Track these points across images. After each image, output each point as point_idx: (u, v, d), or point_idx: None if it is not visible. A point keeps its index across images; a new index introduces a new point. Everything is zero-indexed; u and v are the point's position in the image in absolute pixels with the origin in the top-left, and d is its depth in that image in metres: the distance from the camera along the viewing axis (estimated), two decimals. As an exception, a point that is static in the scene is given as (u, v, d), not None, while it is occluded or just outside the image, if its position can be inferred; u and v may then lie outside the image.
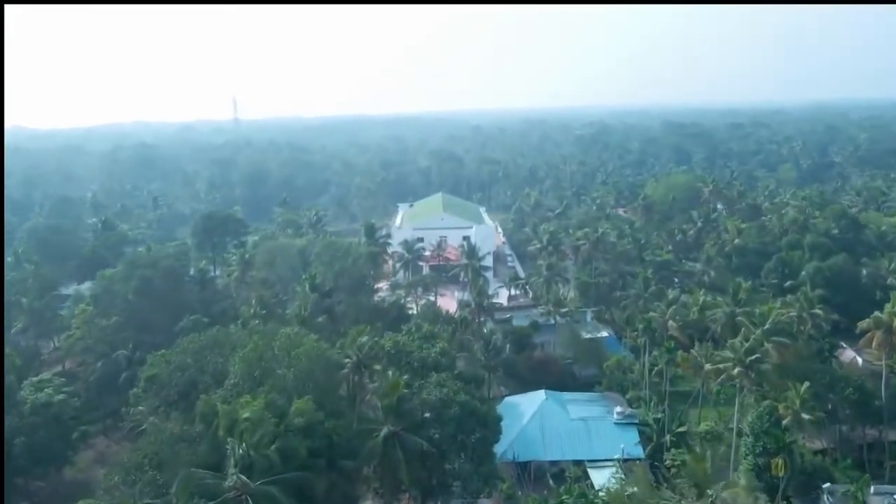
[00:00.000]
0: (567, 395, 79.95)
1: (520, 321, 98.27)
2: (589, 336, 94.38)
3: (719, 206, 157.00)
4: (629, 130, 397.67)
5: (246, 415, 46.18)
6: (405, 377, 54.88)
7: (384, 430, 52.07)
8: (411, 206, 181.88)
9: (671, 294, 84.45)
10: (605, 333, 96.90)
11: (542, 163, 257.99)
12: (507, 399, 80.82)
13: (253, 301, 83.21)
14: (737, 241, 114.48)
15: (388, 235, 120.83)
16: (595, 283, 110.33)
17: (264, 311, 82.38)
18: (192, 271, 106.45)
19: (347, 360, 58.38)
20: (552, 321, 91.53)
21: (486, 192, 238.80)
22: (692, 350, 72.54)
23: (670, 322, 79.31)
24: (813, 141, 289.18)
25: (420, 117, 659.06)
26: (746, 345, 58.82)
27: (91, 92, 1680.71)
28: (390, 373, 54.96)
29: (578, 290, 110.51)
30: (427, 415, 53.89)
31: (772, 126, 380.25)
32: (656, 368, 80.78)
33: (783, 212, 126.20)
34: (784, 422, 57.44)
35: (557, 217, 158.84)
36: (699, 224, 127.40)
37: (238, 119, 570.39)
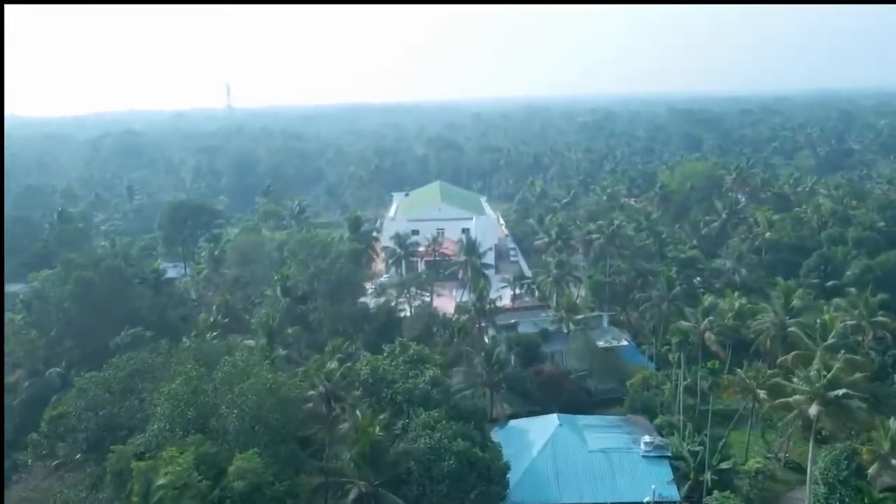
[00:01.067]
0: (584, 420, 67.59)
1: (526, 327, 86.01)
2: (606, 345, 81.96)
3: (739, 196, 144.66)
4: (634, 118, 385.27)
5: (163, 481, 33.82)
6: (383, 417, 42.43)
7: (355, 490, 39.76)
8: (407, 195, 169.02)
9: (707, 300, 71.62)
10: (624, 342, 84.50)
11: (545, 150, 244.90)
12: (513, 423, 68.47)
13: (214, 308, 70.81)
14: (768, 234, 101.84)
15: (377, 229, 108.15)
16: (610, 282, 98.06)
17: (227, 320, 70.06)
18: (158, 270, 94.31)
19: (313, 391, 45.98)
20: (564, 330, 79.02)
21: (486, 180, 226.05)
22: (739, 371, 60.09)
23: (708, 334, 66.70)
24: (828, 127, 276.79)
25: (419, 105, 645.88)
26: (827, 375, 45.95)
27: (87, 80, 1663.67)
28: (361, 412, 42.48)
29: (591, 291, 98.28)
30: (412, 465, 41.46)
31: (783, 113, 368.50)
32: (684, 383, 68.83)
33: (819, 202, 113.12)
34: (869, 471, 44.95)
35: (565, 207, 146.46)
36: (723, 215, 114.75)
37: (231, 106, 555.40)
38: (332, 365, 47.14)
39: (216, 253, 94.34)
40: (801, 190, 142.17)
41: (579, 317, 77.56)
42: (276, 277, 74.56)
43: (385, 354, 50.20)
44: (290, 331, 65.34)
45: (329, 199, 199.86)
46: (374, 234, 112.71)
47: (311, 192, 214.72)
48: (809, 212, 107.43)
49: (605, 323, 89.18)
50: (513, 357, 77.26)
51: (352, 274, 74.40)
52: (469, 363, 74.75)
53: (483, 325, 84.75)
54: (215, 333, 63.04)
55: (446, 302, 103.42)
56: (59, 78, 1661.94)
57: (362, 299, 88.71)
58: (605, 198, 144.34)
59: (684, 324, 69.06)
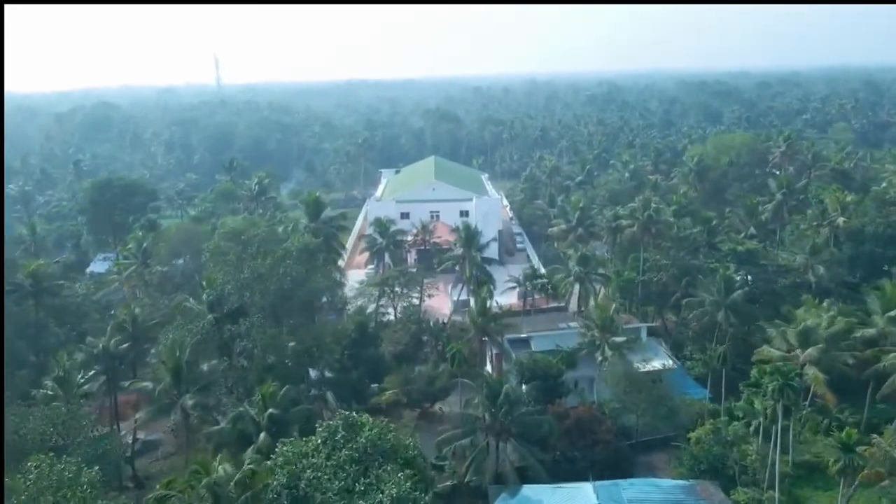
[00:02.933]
0: (630, 491, 47.44)
1: (542, 343, 65.68)
2: (647, 368, 61.54)
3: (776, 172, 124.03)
4: (643, 91, 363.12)
5: None
6: None
7: None
8: (398, 172, 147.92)
9: (804, 316, 50.83)
10: (672, 364, 64.15)
11: (553, 123, 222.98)
12: (528, 491, 48.38)
13: (109, 328, 50.24)
14: (841, 220, 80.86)
15: (343, 217, 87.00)
16: (644, 280, 77.71)
17: (125, 345, 49.48)
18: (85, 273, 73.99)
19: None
20: (599, 357, 58.46)
21: (488, 156, 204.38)
22: (878, 438, 39.66)
23: (811, 370, 46.21)
24: (860, 99, 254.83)
25: (419, 81, 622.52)
26: None
27: (81, 56, 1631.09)
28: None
29: (619, 292, 78.01)
30: None
31: (801, 85, 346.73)
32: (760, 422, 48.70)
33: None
34: None
35: (580, 186, 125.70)
36: (778, 196, 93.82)
37: (221, 81, 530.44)
38: (222, 469, 26.76)
39: (145, 244, 73.76)
40: (849, 166, 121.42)
41: (620, 339, 56.81)
42: (204, 286, 53.82)
43: (321, 440, 29.34)
44: (205, 367, 44.82)
45: (311, 177, 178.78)
46: (361, 219, 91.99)
47: (293, 168, 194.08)
48: (893, 192, 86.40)
49: (643, 335, 68.69)
50: (525, 387, 57.21)
51: (303, 279, 53.40)
52: (467, 399, 54.79)
53: (484, 339, 64.79)
54: (91, 372, 42.38)
55: (441, 301, 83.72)
56: (53, 53, 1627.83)
57: (338, 303, 69.19)
58: (627, 175, 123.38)
59: (773, 351, 48.59)
